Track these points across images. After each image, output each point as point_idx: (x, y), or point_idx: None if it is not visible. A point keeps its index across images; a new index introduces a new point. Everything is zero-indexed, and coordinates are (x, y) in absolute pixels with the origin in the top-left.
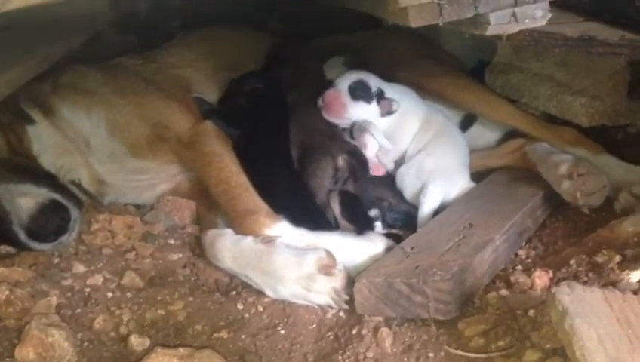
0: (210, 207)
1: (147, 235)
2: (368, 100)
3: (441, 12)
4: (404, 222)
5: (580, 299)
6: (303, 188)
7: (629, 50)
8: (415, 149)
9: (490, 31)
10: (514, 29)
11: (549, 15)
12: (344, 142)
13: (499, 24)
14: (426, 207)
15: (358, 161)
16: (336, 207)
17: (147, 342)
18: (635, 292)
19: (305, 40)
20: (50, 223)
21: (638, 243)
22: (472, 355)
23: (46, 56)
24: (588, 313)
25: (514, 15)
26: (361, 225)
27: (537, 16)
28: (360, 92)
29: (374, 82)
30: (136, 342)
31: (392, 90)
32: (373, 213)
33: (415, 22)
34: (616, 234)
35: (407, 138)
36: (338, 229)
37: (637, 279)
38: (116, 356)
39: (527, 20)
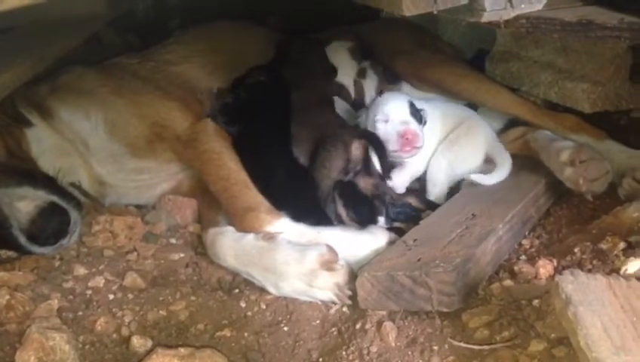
0: (212, 205)
1: (149, 235)
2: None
3: (436, 0)
4: (407, 215)
5: (583, 287)
6: (303, 183)
7: (628, 34)
8: (437, 143)
9: (486, 17)
10: (510, 14)
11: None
12: (357, 128)
13: (495, 10)
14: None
15: (374, 140)
16: (341, 210)
17: (149, 343)
18: (639, 279)
19: (305, 33)
20: (49, 226)
21: None
22: (477, 347)
23: (42, 58)
24: (592, 301)
25: (509, 0)
26: (364, 220)
27: (533, 1)
28: (418, 114)
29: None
30: (138, 343)
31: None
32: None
33: (409, 10)
34: (621, 221)
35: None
36: (339, 224)
37: (635, 269)
38: (118, 357)
39: (523, 5)
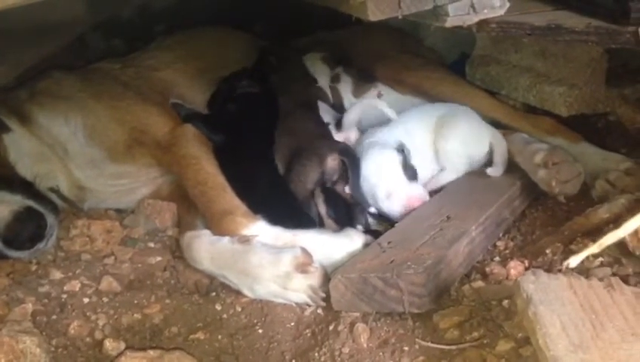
0: (190, 210)
1: (127, 239)
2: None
3: (400, 5)
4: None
5: (544, 287)
6: (282, 187)
7: (595, 37)
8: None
9: (450, 22)
10: (472, 19)
11: (507, 4)
12: (334, 141)
13: (458, 15)
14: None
15: (350, 159)
16: (321, 206)
17: (122, 346)
18: (600, 279)
19: (287, 38)
20: (25, 231)
21: (612, 230)
22: (446, 347)
23: (17, 63)
24: (552, 300)
25: (472, 6)
26: (345, 224)
27: (495, 6)
28: (409, 166)
29: (400, 142)
30: (111, 346)
31: (398, 131)
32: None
33: (374, 15)
34: (592, 222)
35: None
36: (317, 227)
37: (575, 264)
38: (90, 361)
39: (485, 10)
